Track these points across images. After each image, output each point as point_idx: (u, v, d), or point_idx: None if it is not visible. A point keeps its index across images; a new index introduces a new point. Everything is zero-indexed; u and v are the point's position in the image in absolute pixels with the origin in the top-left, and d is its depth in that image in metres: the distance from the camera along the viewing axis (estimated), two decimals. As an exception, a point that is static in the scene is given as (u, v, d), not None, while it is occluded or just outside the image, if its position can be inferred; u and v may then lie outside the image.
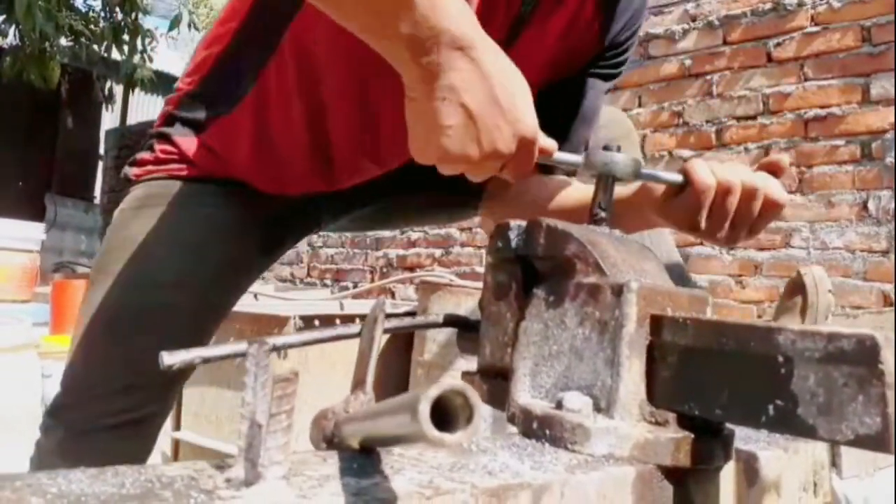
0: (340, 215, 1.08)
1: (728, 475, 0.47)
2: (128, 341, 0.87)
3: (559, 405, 0.45)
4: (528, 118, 0.61)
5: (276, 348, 0.46)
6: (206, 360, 0.43)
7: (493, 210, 1.02)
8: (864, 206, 2.44)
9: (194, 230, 0.92)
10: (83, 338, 0.90)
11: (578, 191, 0.90)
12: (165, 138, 0.96)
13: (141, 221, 0.92)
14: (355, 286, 3.91)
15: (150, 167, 0.96)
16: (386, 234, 3.98)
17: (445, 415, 0.24)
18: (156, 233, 0.91)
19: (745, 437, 0.52)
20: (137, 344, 0.87)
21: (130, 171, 0.98)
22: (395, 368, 2.45)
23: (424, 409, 0.23)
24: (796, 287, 0.87)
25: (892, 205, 2.36)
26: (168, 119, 0.97)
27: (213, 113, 0.93)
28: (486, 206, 1.02)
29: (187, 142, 0.94)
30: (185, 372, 0.94)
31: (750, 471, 0.49)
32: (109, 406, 0.87)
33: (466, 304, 2.18)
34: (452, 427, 0.24)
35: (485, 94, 0.59)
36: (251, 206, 0.95)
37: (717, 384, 0.41)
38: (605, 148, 0.64)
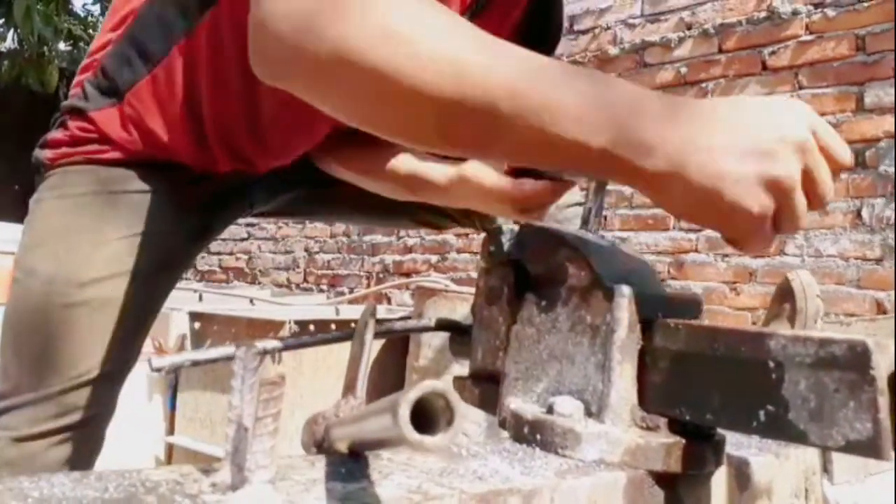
0: (270, 198, 1.03)
1: (719, 481, 0.47)
2: (57, 342, 0.84)
3: (550, 410, 0.45)
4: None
5: (265, 352, 0.45)
6: (196, 363, 0.43)
7: (326, 163, 0.97)
8: (858, 214, 2.44)
9: (120, 221, 0.86)
10: (13, 340, 0.86)
11: (410, 160, 0.88)
12: (80, 113, 0.88)
13: (62, 213, 0.87)
14: (351, 292, 3.90)
15: (65, 149, 0.89)
16: (382, 239, 3.98)
17: (427, 418, 0.24)
18: (79, 226, 0.86)
19: (736, 443, 0.52)
20: (67, 345, 0.83)
21: (42, 155, 0.90)
22: (390, 374, 2.45)
23: (404, 411, 0.23)
24: (785, 293, 0.87)
25: (887, 213, 2.37)
26: (82, 91, 0.89)
27: (130, 76, 0.85)
28: (320, 158, 0.96)
29: (104, 115, 0.87)
30: (122, 371, 0.90)
31: (741, 476, 0.49)
32: (47, 410, 0.83)
33: (462, 310, 2.18)
34: (434, 430, 0.24)
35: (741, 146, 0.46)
36: (178, 191, 0.89)
37: (709, 389, 0.41)
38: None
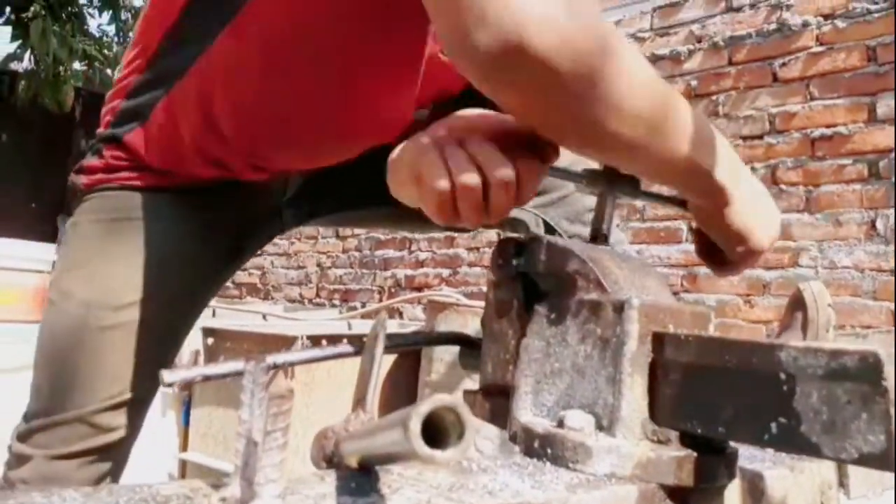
0: (301, 221, 1.04)
1: (733, 495, 0.46)
2: (92, 364, 0.85)
3: (561, 423, 0.45)
4: None
5: (275, 366, 0.46)
6: (207, 378, 0.43)
7: None
8: (873, 225, 2.43)
9: (154, 246, 0.88)
10: (47, 361, 0.88)
11: None
12: (113, 140, 0.91)
13: (97, 237, 0.89)
14: (363, 306, 3.91)
15: (101, 175, 0.91)
16: (394, 254, 3.99)
17: (438, 432, 0.24)
18: (114, 250, 0.87)
19: (749, 457, 0.51)
20: (101, 367, 0.85)
21: (78, 180, 0.93)
22: (402, 389, 2.44)
23: (415, 425, 0.23)
24: (797, 303, 0.87)
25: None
26: (112, 119, 0.92)
27: (152, 95, 0.88)
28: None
29: (132, 137, 0.89)
30: (151, 392, 0.91)
31: (755, 490, 0.48)
32: (80, 431, 0.85)
33: (473, 324, 2.17)
34: (444, 444, 0.24)
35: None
36: (210, 214, 0.91)
37: (720, 402, 0.41)
38: (608, 167, 0.64)
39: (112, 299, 0.86)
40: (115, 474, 0.90)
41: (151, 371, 0.87)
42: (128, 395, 0.86)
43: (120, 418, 0.86)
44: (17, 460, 0.87)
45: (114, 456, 0.88)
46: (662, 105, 0.55)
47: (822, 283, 0.90)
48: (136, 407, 0.89)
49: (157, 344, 0.88)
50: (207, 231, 0.92)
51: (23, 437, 0.87)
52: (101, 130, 0.94)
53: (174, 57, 0.86)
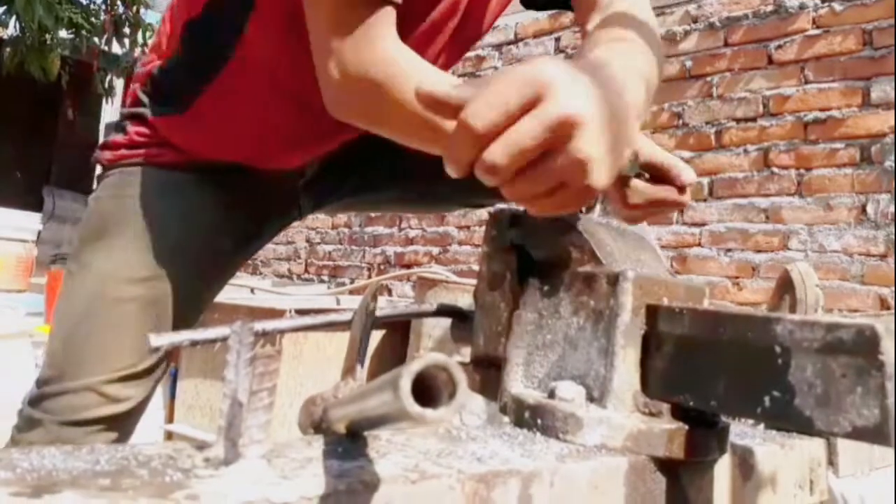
0: (318, 206, 1.07)
1: (723, 470, 0.46)
2: (105, 335, 0.87)
3: (552, 394, 0.44)
4: None
5: (264, 333, 0.45)
6: (194, 343, 0.42)
7: None
8: (863, 210, 2.43)
9: (173, 223, 0.90)
10: (63, 329, 0.89)
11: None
12: (139, 119, 0.93)
13: (118, 212, 0.90)
14: (352, 283, 3.90)
15: (124, 151, 0.93)
16: (383, 231, 3.97)
17: (429, 392, 0.24)
18: (133, 225, 0.89)
19: (740, 433, 0.51)
20: (115, 338, 0.86)
21: (102, 156, 0.95)
22: (390, 365, 2.44)
23: (405, 384, 0.22)
24: (784, 284, 0.87)
25: (891, 208, 2.36)
26: (139, 100, 0.94)
27: (188, 88, 0.90)
28: None
29: (165, 122, 0.91)
30: (165, 362, 0.93)
31: (745, 465, 0.48)
32: (89, 399, 0.86)
33: (463, 301, 2.17)
34: (435, 405, 0.23)
35: None
36: (229, 195, 0.93)
37: (713, 375, 0.40)
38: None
39: (128, 273, 0.88)
40: (124, 442, 0.91)
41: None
42: (138, 368, 0.88)
43: (129, 390, 0.88)
44: (26, 424, 0.89)
45: (121, 426, 0.89)
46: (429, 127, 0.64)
47: (808, 264, 0.90)
48: (146, 380, 0.90)
49: (170, 318, 0.90)
50: (227, 212, 0.93)
51: (34, 401, 0.89)
52: (126, 110, 0.96)
53: (208, 40, 0.87)
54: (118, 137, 0.94)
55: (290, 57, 0.83)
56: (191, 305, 0.93)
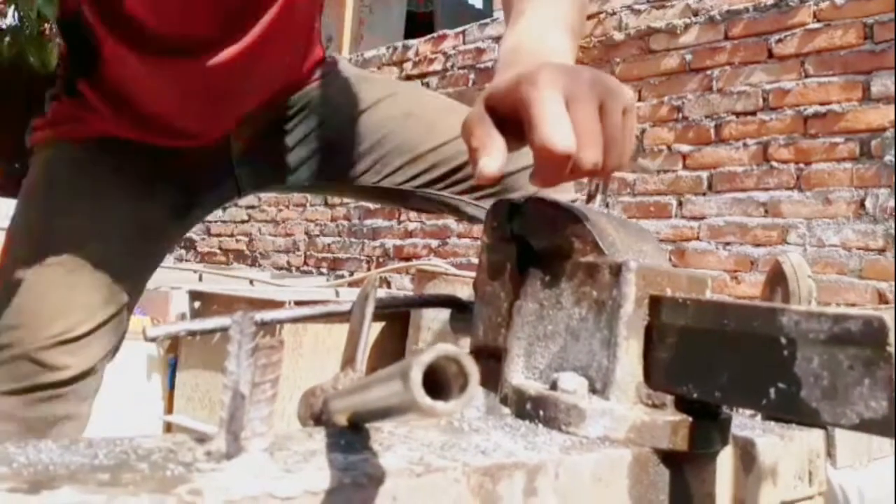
0: (261, 185, 1.08)
1: (725, 461, 0.46)
2: (34, 301, 0.88)
3: (553, 386, 0.44)
4: None
5: (263, 323, 0.44)
6: (192, 333, 0.42)
7: None
8: (862, 204, 2.43)
9: (94, 191, 0.93)
10: None
11: None
12: (56, 99, 0.97)
13: (41, 186, 0.94)
14: (351, 275, 3.89)
15: (47, 131, 0.97)
16: (383, 223, 3.96)
17: (438, 384, 0.23)
18: (55, 196, 0.93)
19: (739, 424, 0.51)
20: (43, 305, 0.88)
21: (28, 140, 0.99)
22: (388, 358, 2.44)
23: (416, 375, 0.22)
24: (776, 276, 0.86)
25: (891, 202, 2.36)
26: (59, 80, 0.98)
27: (78, 66, 0.93)
28: None
29: (77, 99, 0.95)
30: (98, 335, 0.92)
31: (747, 457, 0.48)
32: (22, 368, 0.87)
33: (462, 293, 2.17)
34: (445, 397, 0.23)
35: None
36: (152, 165, 0.95)
37: (717, 366, 0.40)
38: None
39: (50, 239, 0.90)
40: (74, 419, 0.91)
41: (97, 313, 0.91)
42: (71, 334, 0.88)
43: (65, 357, 0.88)
44: None
45: (66, 396, 0.89)
46: None
47: (800, 255, 0.90)
48: (84, 347, 0.90)
49: (101, 286, 0.91)
50: (153, 180, 0.96)
51: None
52: (48, 91, 1.00)
53: (87, 29, 0.90)
54: (41, 120, 0.98)
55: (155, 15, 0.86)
56: (123, 274, 0.94)
